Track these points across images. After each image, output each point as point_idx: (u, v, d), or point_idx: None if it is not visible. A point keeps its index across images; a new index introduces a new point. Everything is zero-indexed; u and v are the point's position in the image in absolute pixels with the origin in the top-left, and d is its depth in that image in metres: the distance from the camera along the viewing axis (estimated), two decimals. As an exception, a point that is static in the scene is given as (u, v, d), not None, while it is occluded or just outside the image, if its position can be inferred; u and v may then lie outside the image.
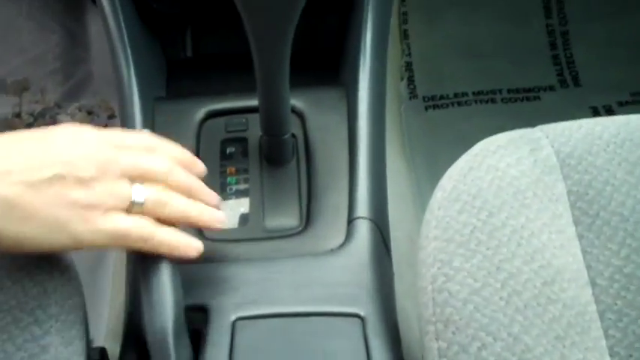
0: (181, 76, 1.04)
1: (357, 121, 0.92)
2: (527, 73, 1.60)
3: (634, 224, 0.75)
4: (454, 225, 0.74)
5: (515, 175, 0.78)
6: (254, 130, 0.93)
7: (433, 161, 1.40)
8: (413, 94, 1.57)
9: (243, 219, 0.87)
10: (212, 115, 0.96)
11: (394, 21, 1.53)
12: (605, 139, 0.81)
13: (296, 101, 0.93)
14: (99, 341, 0.91)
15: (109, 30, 0.97)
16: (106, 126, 1.52)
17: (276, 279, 0.78)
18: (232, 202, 0.88)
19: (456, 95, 1.57)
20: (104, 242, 0.67)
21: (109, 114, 1.54)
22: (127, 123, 0.92)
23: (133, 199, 0.68)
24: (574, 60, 1.62)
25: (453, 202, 0.76)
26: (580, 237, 0.75)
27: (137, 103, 0.93)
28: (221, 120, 0.95)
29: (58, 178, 0.64)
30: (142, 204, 0.69)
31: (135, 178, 0.69)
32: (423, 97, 1.56)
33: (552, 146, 0.81)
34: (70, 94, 1.56)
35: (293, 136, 0.92)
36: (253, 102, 0.92)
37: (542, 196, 0.77)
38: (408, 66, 1.59)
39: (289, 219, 0.87)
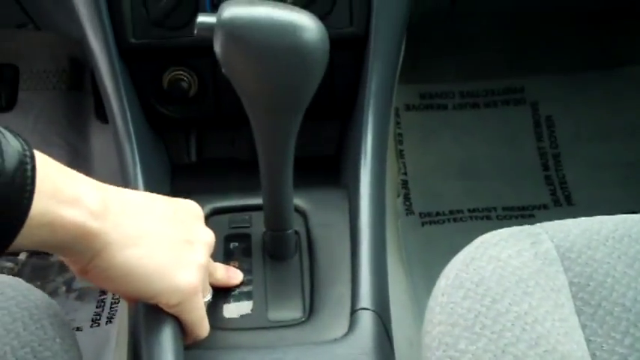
0: (185, 177, 1.06)
1: (358, 217, 0.93)
2: (521, 192, 1.63)
3: (636, 314, 0.76)
4: (458, 310, 0.74)
5: (517, 266, 0.79)
6: (257, 227, 0.95)
7: (430, 272, 1.40)
8: (409, 211, 1.59)
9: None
10: (216, 212, 0.97)
11: (390, 141, 1.58)
12: (604, 234, 0.83)
13: (299, 200, 0.95)
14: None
15: (117, 130, 1.00)
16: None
17: None
18: (233, 306, 0.89)
19: (451, 212, 1.60)
20: (187, 317, 0.75)
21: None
22: None
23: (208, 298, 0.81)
24: (566, 180, 1.66)
25: (457, 289, 0.77)
26: (583, 326, 0.76)
27: None
28: (225, 217, 0.97)
29: (185, 242, 0.74)
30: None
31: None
32: (420, 214, 1.59)
33: (552, 241, 0.82)
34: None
35: (296, 233, 0.94)
36: (256, 200, 0.94)
37: (544, 285, 0.78)
38: (404, 184, 1.63)
39: (292, 311, 0.87)
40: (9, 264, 1.48)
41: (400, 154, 1.66)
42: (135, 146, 0.99)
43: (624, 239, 0.82)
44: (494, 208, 1.61)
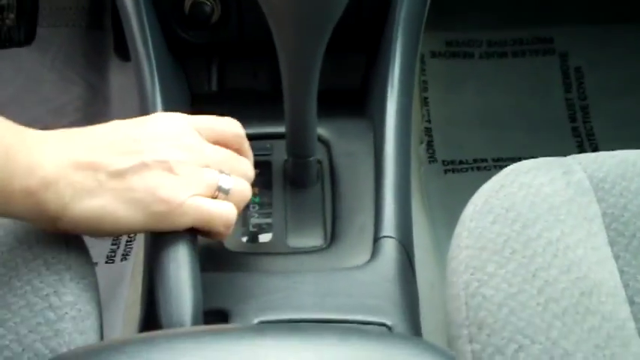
0: (205, 106, 1.04)
1: (383, 147, 0.90)
2: (547, 143, 1.59)
3: (672, 246, 0.73)
4: (487, 235, 0.71)
5: (549, 193, 0.76)
6: (278, 155, 0.92)
7: (452, 219, 1.36)
8: (432, 158, 1.56)
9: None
10: None
11: (415, 87, 1.55)
12: None
13: (322, 130, 0.92)
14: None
15: (137, 55, 0.97)
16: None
17: (301, 288, 0.76)
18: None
19: (475, 161, 1.56)
20: (186, 223, 0.70)
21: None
22: None
23: (220, 185, 0.71)
24: (594, 132, 1.62)
25: (486, 214, 0.74)
26: (616, 257, 0.73)
27: None
28: None
29: (141, 166, 0.68)
30: (227, 191, 0.72)
31: (220, 167, 0.73)
32: (443, 161, 1.56)
33: (585, 172, 0.79)
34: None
35: (318, 162, 0.91)
36: (278, 128, 0.92)
37: (576, 214, 0.75)
38: (428, 131, 1.59)
39: (313, 239, 0.85)
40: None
41: (425, 102, 1.63)
42: (155, 72, 0.97)
43: None
44: (519, 158, 1.56)
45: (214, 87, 1.10)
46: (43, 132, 0.68)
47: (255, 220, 0.87)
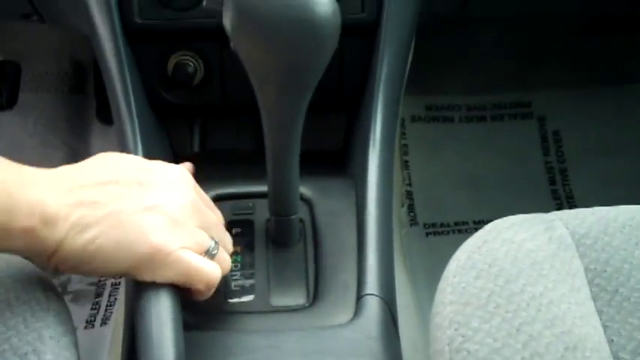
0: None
1: (365, 205, 0.91)
2: (527, 206, 1.58)
3: (655, 300, 0.73)
4: (471, 290, 0.71)
5: (531, 249, 0.76)
6: (261, 214, 0.92)
7: (434, 281, 1.36)
8: (414, 221, 1.56)
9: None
10: (219, 198, 0.94)
11: (395, 151, 1.56)
12: (621, 222, 0.80)
13: (304, 189, 0.92)
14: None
15: (120, 115, 0.98)
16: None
17: (284, 347, 0.75)
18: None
19: (456, 223, 1.57)
20: (170, 276, 0.70)
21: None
22: None
23: (208, 249, 0.73)
24: (573, 195, 1.63)
25: (469, 270, 0.74)
26: (600, 312, 0.73)
27: None
28: (228, 204, 0.94)
29: (141, 209, 0.69)
30: (213, 257, 0.74)
31: (211, 233, 0.75)
32: (424, 224, 1.56)
33: (567, 227, 0.80)
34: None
35: (300, 221, 0.91)
36: (260, 187, 0.92)
37: (559, 269, 0.75)
38: (409, 194, 1.60)
39: (296, 297, 0.84)
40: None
41: (405, 165, 1.64)
42: (138, 133, 0.97)
43: None
44: (500, 221, 1.58)
45: (197, 147, 1.11)
46: (41, 170, 0.69)
47: (237, 281, 0.86)
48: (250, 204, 0.94)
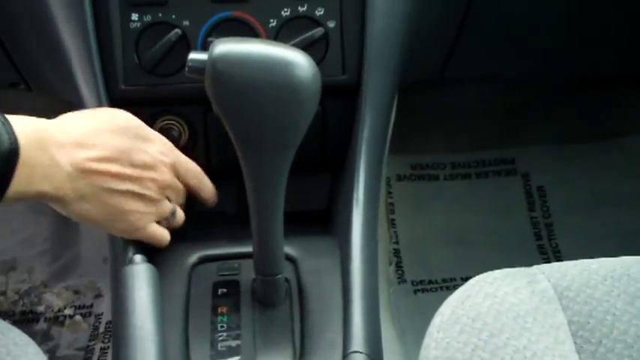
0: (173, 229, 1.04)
1: (350, 264, 0.91)
2: (514, 261, 1.59)
3: (638, 351, 0.74)
4: (455, 345, 0.72)
5: (514, 302, 0.77)
6: (246, 274, 0.93)
7: (422, 336, 1.37)
8: (402, 279, 1.57)
9: None
10: (205, 260, 0.95)
11: (382, 210, 1.57)
12: (602, 274, 0.81)
13: (288, 248, 0.93)
14: None
15: None
16: (91, 306, 1.50)
17: None
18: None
19: (444, 280, 1.57)
20: (137, 237, 0.92)
21: (95, 294, 1.52)
22: (117, 259, 0.92)
23: (169, 215, 0.94)
24: (560, 250, 1.64)
25: (453, 325, 0.74)
26: None
27: (132, 249, 0.93)
28: (213, 265, 0.95)
29: (129, 193, 0.88)
30: (174, 218, 0.95)
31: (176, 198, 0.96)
32: (412, 282, 1.57)
33: (549, 280, 0.81)
34: (58, 274, 1.55)
35: (286, 280, 0.92)
36: (245, 248, 0.93)
37: (542, 322, 0.75)
38: (396, 252, 1.60)
39: (282, 357, 0.84)
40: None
41: (392, 223, 1.65)
42: None
43: (623, 278, 0.80)
44: (488, 277, 1.58)
45: (182, 209, 1.11)
46: (60, 137, 0.83)
47: (224, 342, 0.86)
48: (236, 264, 0.95)
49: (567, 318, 0.76)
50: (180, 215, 0.96)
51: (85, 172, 0.85)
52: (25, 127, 0.80)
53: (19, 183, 0.78)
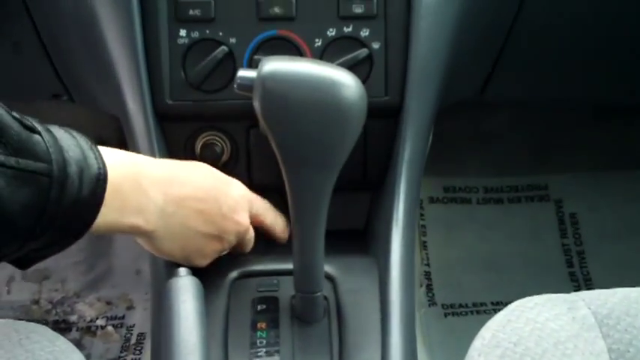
0: None
1: (389, 284, 0.92)
2: (545, 288, 1.58)
3: (678, 381, 0.73)
4: None
5: (555, 328, 0.77)
6: (285, 291, 0.93)
7: (453, 358, 1.38)
8: (432, 302, 1.57)
9: None
10: (244, 275, 0.96)
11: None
12: None
13: (328, 267, 0.94)
14: None
15: None
16: (123, 317, 1.52)
17: None
18: None
19: (474, 304, 1.57)
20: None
21: (127, 305, 1.53)
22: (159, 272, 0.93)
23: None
24: (591, 278, 1.63)
25: (494, 348, 0.75)
26: None
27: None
28: (253, 281, 0.96)
29: (213, 237, 0.90)
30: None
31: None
32: (442, 305, 1.57)
33: (589, 308, 0.81)
34: (90, 285, 1.56)
35: (325, 298, 0.92)
36: (285, 265, 0.94)
37: (583, 349, 0.75)
38: (427, 275, 1.61)
39: None
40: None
41: (423, 245, 1.65)
42: None
43: None
44: (518, 303, 1.58)
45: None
46: (153, 172, 0.85)
47: (262, 358, 0.87)
48: (275, 281, 0.95)
49: (607, 346, 0.76)
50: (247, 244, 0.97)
51: (178, 208, 0.85)
52: (117, 158, 0.80)
53: (111, 213, 0.78)
